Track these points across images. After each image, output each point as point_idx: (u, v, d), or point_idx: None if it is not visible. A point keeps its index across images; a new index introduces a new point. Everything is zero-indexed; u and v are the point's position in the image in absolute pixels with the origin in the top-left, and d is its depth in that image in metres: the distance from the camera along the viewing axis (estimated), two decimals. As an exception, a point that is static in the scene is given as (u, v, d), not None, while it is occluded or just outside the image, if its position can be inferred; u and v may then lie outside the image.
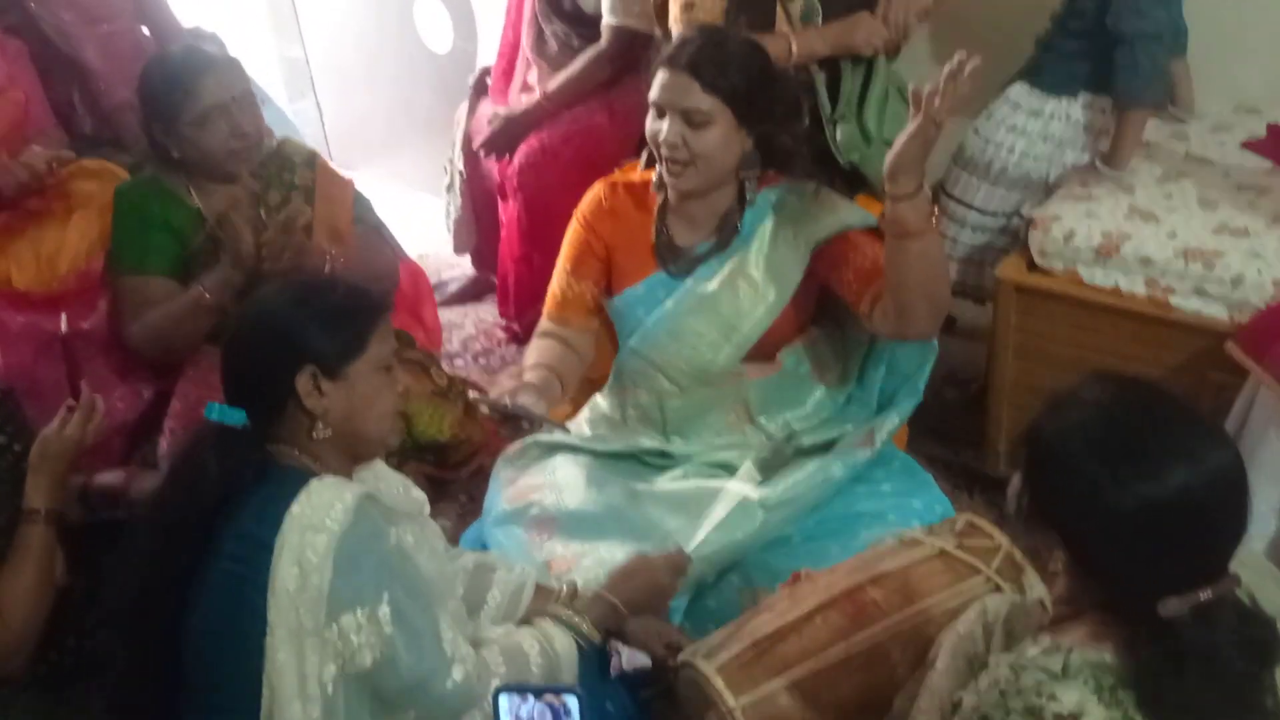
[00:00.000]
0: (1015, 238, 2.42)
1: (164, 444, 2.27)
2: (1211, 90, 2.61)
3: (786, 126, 2.01)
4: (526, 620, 1.68)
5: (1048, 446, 1.21)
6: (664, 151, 1.96)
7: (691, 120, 1.93)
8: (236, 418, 1.45)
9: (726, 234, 2.05)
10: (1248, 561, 1.20)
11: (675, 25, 2.37)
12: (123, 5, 2.86)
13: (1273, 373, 1.95)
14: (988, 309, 2.53)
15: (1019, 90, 2.43)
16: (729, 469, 2.06)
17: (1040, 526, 1.24)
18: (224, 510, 1.41)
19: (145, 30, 2.92)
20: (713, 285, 2.04)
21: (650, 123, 1.99)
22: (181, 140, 2.27)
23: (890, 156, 1.77)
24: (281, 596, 1.34)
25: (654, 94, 1.96)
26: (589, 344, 2.20)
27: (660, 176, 2.05)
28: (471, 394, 2.01)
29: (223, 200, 2.33)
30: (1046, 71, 2.40)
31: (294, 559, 1.35)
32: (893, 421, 2.03)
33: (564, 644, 1.60)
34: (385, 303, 1.57)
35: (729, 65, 1.93)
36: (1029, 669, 1.14)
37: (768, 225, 2.03)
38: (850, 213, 2.02)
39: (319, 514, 1.36)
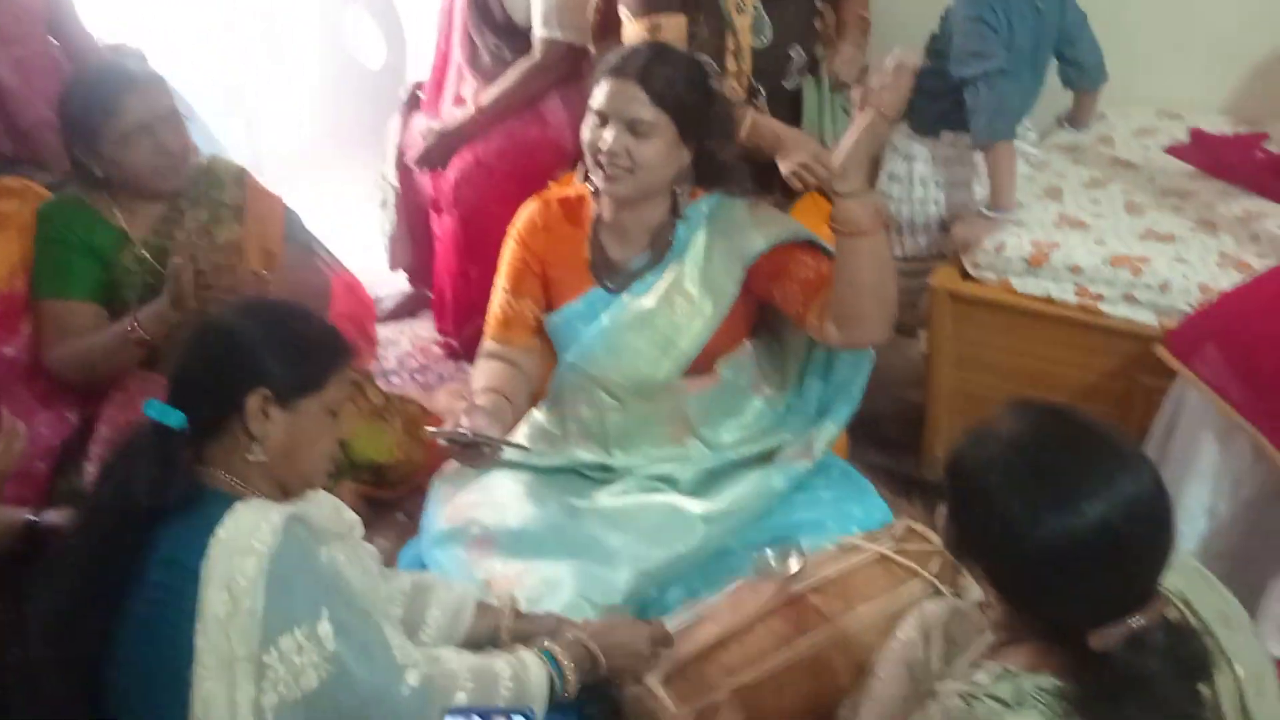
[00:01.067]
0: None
1: (90, 470, 2.21)
2: (1135, 95, 2.67)
3: (723, 144, 2.03)
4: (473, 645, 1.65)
5: (966, 482, 1.21)
6: (603, 159, 1.95)
7: (635, 130, 1.93)
8: (175, 418, 1.41)
9: (660, 247, 2.05)
10: (1178, 565, 1.21)
11: None
12: (33, 25, 2.79)
13: (1200, 375, 1.99)
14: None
15: (900, 131, 2.47)
16: (670, 482, 2.05)
17: (967, 560, 1.24)
18: (150, 530, 1.37)
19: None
20: (649, 301, 2.03)
21: (590, 130, 1.98)
22: (104, 160, 2.22)
23: (839, 154, 1.78)
24: (211, 624, 1.31)
25: (599, 102, 1.96)
26: (534, 363, 2.19)
27: (595, 188, 2.04)
28: (428, 429, 1.99)
29: (148, 220, 2.28)
30: (915, 111, 2.42)
31: (223, 584, 1.31)
32: (831, 430, 2.04)
33: (538, 676, 1.55)
34: (352, 349, 1.56)
35: (676, 79, 1.94)
36: (980, 699, 1.14)
37: (701, 238, 2.03)
38: (785, 227, 2.03)
39: (245, 536, 1.33)
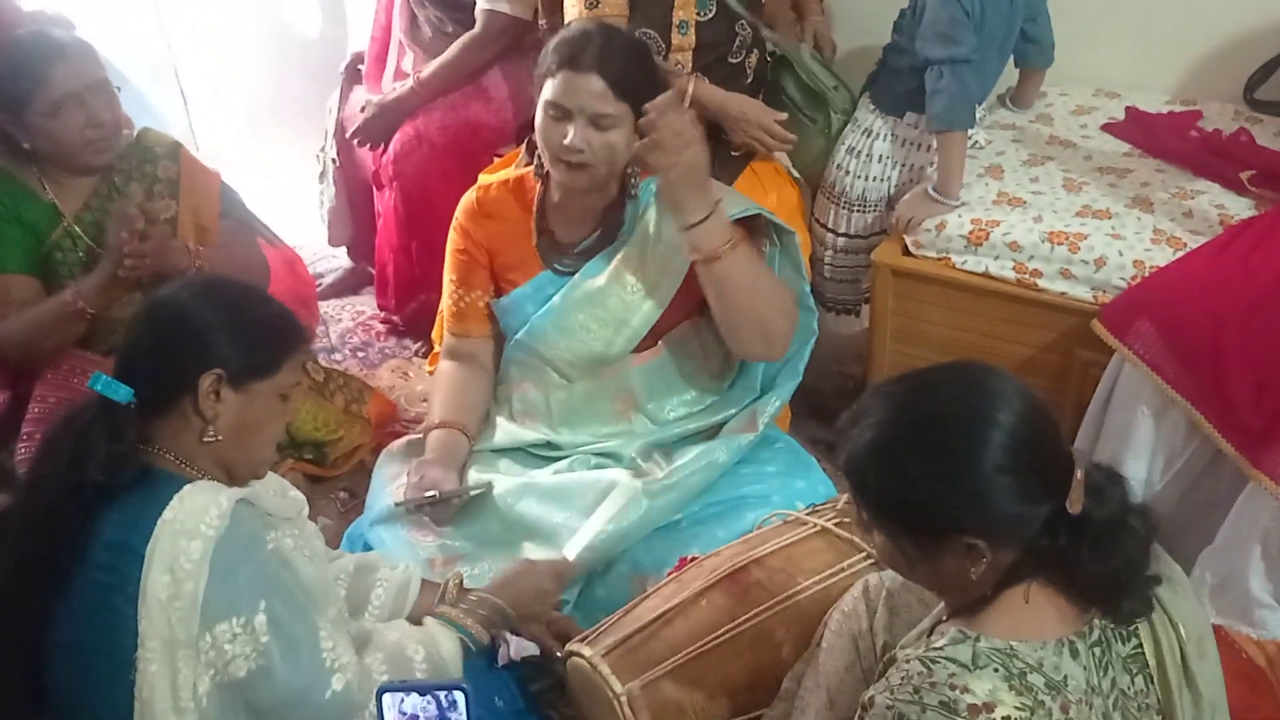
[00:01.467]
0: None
1: (21, 449, 2.16)
2: (1073, 74, 2.70)
3: None
4: (415, 620, 1.65)
5: (862, 470, 1.24)
6: (565, 155, 1.92)
7: (599, 124, 1.90)
8: (122, 393, 1.38)
9: (611, 228, 2.04)
10: None
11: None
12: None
13: (1135, 350, 2.02)
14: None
15: (862, 104, 2.48)
16: (615, 458, 2.06)
17: (913, 551, 1.25)
18: (95, 510, 1.35)
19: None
20: (600, 281, 2.02)
21: (548, 125, 1.93)
22: (32, 131, 2.16)
23: (660, 199, 1.82)
24: (153, 606, 1.29)
25: (556, 96, 1.91)
26: (493, 351, 2.19)
27: (540, 168, 2.03)
28: (394, 502, 1.97)
29: (79, 194, 2.22)
30: (878, 87, 2.44)
31: (166, 567, 1.29)
32: (774, 404, 2.05)
33: (449, 646, 1.58)
34: (306, 333, 1.56)
35: (631, 67, 1.91)
36: (940, 662, 1.16)
37: (650, 216, 2.02)
38: (734, 203, 2.02)
39: (193, 519, 1.32)
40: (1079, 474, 1.19)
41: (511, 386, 2.15)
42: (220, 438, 1.42)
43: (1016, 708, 1.12)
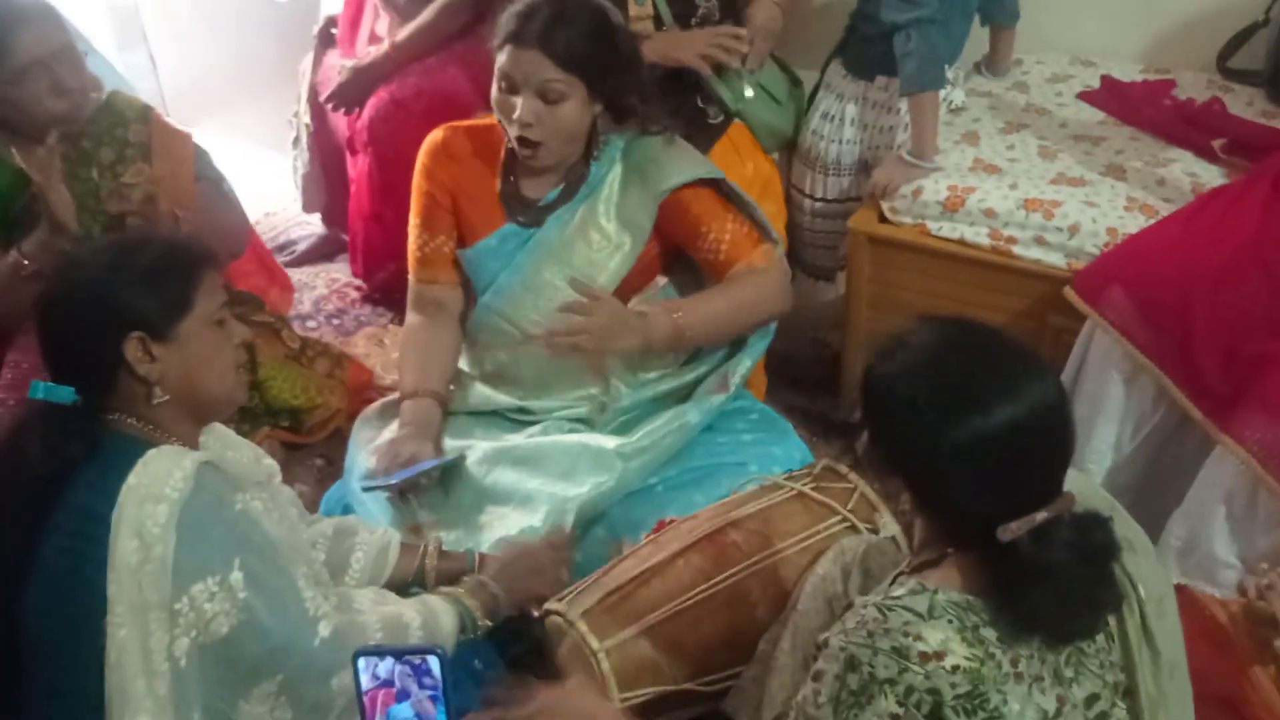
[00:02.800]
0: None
1: (-10, 414, 2.15)
2: (1049, 42, 2.71)
3: (632, 83, 2.00)
4: (395, 585, 1.66)
5: (881, 391, 1.25)
6: (516, 130, 1.93)
7: (546, 96, 1.90)
8: (64, 394, 1.37)
9: (574, 182, 2.04)
10: (1089, 493, 1.26)
11: None
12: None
13: (1106, 316, 2.05)
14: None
15: (833, 70, 2.48)
16: (588, 423, 2.06)
17: (885, 469, 1.28)
18: (55, 487, 1.34)
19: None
20: (566, 233, 2.02)
21: (500, 96, 1.94)
22: None
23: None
24: (122, 571, 1.29)
25: (505, 67, 1.92)
26: (460, 298, 2.16)
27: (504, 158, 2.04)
28: (363, 483, 1.96)
29: (48, 161, 2.19)
30: (849, 53, 2.44)
31: (134, 532, 1.29)
32: (745, 364, 2.06)
33: (448, 620, 1.57)
34: (207, 254, 1.49)
35: (577, 36, 1.90)
36: (895, 610, 1.18)
37: (617, 172, 2.03)
38: (699, 164, 2.03)
39: (158, 483, 1.31)
40: (1042, 515, 1.17)
41: (482, 349, 2.15)
42: (168, 396, 1.40)
43: (966, 658, 1.15)
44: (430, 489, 1.96)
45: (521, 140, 1.94)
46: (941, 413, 1.18)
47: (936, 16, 2.20)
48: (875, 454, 1.28)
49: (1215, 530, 1.99)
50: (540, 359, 2.07)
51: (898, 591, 1.22)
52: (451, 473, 1.98)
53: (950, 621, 1.17)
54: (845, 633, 1.19)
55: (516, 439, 2.05)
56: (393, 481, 1.91)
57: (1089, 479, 1.35)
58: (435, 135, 2.14)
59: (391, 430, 2.06)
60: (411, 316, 2.17)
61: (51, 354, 1.42)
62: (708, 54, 2.36)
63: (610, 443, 1.96)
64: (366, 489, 1.95)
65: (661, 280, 2.11)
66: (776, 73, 2.51)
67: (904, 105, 2.35)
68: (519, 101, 1.90)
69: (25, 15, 2.11)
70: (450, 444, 2.04)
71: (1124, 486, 2.11)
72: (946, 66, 2.38)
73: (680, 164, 2.01)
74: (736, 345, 2.10)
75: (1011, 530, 1.16)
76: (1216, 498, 1.97)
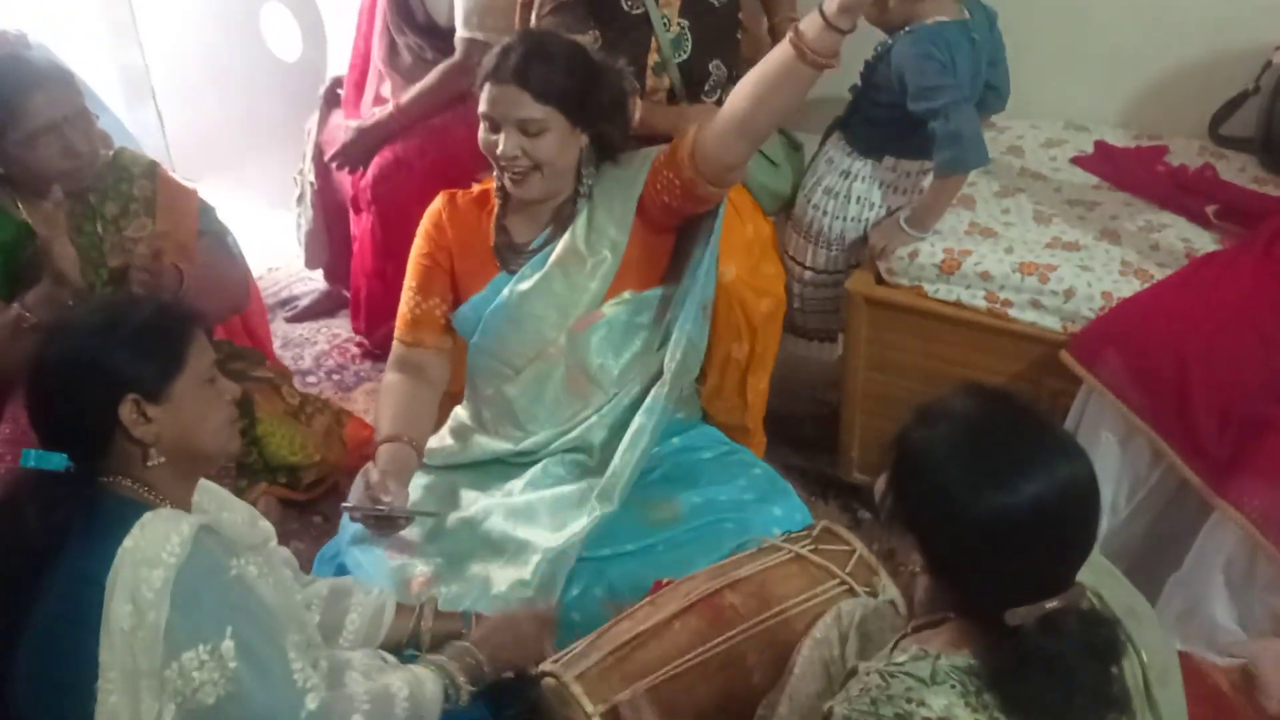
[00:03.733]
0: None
1: (-11, 466, 2.15)
2: (1043, 108, 2.75)
3: (615, 120, 2.06)
4: (390, 645, 1.64)
5: (913, 452, 1.25)
6: (504, 164, 1.98)
7: (527, 130, 1.95)
8: (56, 462, 1.37)
9: (563, 222, 2.08)
10: (1091, 562, 1.26)
11: None
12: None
13: (1102, 380, 2.06)
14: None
15: (836, 144, 2.49)
16: (584, 450, 2.08)
17: (901, 529, 1.27)
18: (50, 552, 1.33)
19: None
20: (543, 270, 2.06)
21: (484, 135, 2.00)
22: (7, 159, 2.15)
23: None
24: (115, 636, 1.28)
25: (485, 108, 1.98)
26: (443, 364, 2.18)
27: (501, 184, 2.06)
28: (344, 506, 1.96)
29: (51, 212, 2.22)
30: (854, 130, 2.46)
31: (128, 596, 1.28)
32: (677, 355, 2.05)
33: (433, 688, 1.55)
34: (195, 314, 1.51)
35: (555, 70, 1.95)
36: (898, 676, 1.17)
37: (586, 204, 2.07)
38: (649, 155, 2.07)
39: (154, 547, 1.30)
40: (1051, 604, 1.17)
41: (479, 398, 2.17)
42: (164, 459, 1.40)
43: None
44: (421, 538, 1.96)
45: (511, 175, 1.99)
46: (970, 487, 1.18)
47: (968, 94, 2.22)
48: (895, 511, 1.28)
49: (1215, 596, 1.98)
50: (530, 386, 2.09)
51: (900, 658, 1.22)
52: (436, 527, 1.98)
53: (953, 687, 1.16)
54: (849, 700, 1.18)
55: (513, 488, 2.06)
56: (378, 510, 1.90)
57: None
58: (436, 203, 2.18)
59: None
60: (390, 375, 2.17)
61: (43, 420, 1.41)
62: None
63: (588, 485, 1.98)
64: (347, 509, 1.96)
65: (628, 294, 2.11)
66: (774, 136, 2.55)
67: (917, 180, 2.39)
68: (501, 138, 1.95)
69: (42, 79, 2.14)
70: (456, 495, 2.06)
71: (1121, 551, 2.10)
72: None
73: (634, 165, 2.07)
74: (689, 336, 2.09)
75: (1019, 615, 1.16)
76: (1215, 563, 1.97)
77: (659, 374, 2.07)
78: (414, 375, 2.15)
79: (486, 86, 1.97)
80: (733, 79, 2.51)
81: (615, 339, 2.10)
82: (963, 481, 1.18)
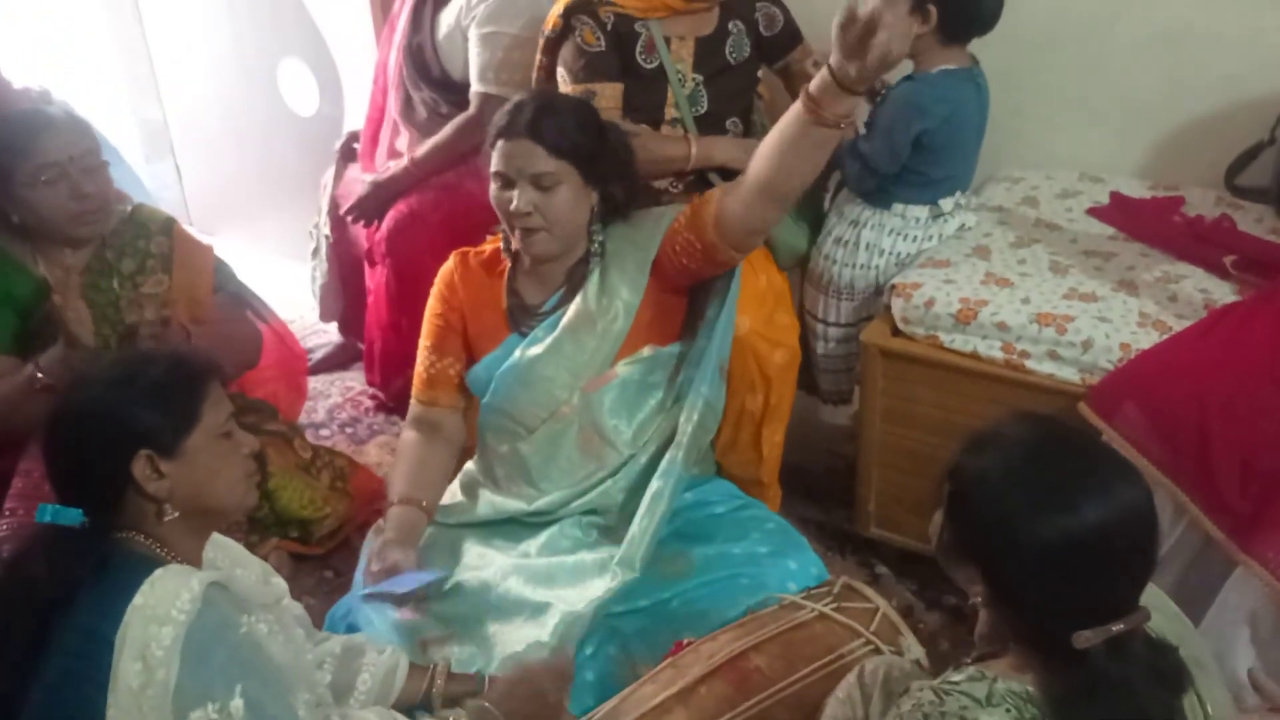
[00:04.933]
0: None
1: (3, 526, 2.14)
2: (1058, 159, 2.75)
3: (624, 177, 2.07)
4: (403, 707, 1.62)
5: (969, 480, 1.25)
6: (516, 220, 1.98)
7: (540, 184, 1.96)
8: (72, 517, 1.36)
9: (575, 284, 2.08)
10: (1161, 608, 1.27)
11: None
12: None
13: (1122, 432, 2.03)
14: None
15: (846, 196, 2.53)
16: (599, 513, 2.06)
17: (960, 560, 1.27)
18: (61, 608, 1.32)
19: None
20: (555, 334, 2.05)
21: (497, 193, 2.00)
22: (18, 203, 2.17)
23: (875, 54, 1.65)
24: (123, 695, 1.26)
25: (498, 165, 1.98)
26: (459, 423, 2.20)
27: (507, 242, 2.07)
28: (365, 591, 1.97)
29: (71, 269, 2.23)
30: (863, 185, 2.49)
31: (137, 654, 1.27)
32: (693, 417, 2.03)
33: None
34: (212, 367, 1.50)
35: (567, 125, 1.97)
36: (953, 694, 1.17)
37: (598, 266, 2.07)
38: (664, 216, 2.07)
39: (164, 605, 1.29)
40: (1119, 626, 1.17)
41: (491, 455, 2.16)
42: (177, 514, 1.39)
43: None
44: (434, 599, 1.95)
45: (522, 232, 1.99)
46: (1031, 509, 1.18)
47: (886, 172, 2.38)
48: (954, 543, 1.28)
49: (1240, 652, 1.94)
50: (543, 445, 2.08)
51: (955, 676, 1.21)
52: (466, 582, 1.97)
53: (1009, 710, 1.16)
54: (900, 716, 1.17)
55: (529, 549, 2.04)
56: (397, 592, 1.90)
57: (1160, 592, 1.34)
58: (449, 264, 2.19)
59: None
60: (408, 433, 2.20)
61: (58, 475, 1.41)
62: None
63: (608, 552, 1.96)
64: (368, 596, 1.94)
65: (647, 350, 2.11)
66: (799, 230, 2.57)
67: (927, 227, 2.45)
68: (515, 194, 1.96)
69: (51, 122, 2.18)
70: (469, 554, 2.05)
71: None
72: (959, 192, 2.47)
73: (647, 227, 2.07)
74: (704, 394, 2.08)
75: (1087, 638, 1.16)
76: (1240, 619, 1.93)
77: (675, 434, 2.06)
78: (430, 433, 2.16)
79: (499, 144, 1.98)
80: (747, 129, 2.54)
81: (629, 399, 2.09)
82: (1023, 505, 1.19)
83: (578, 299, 2.06)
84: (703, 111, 2.45)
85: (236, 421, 1.51)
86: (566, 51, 2.42)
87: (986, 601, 1.26)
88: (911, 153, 2.37)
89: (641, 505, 1.98)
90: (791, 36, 2.57)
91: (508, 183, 1.98)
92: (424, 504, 2.08)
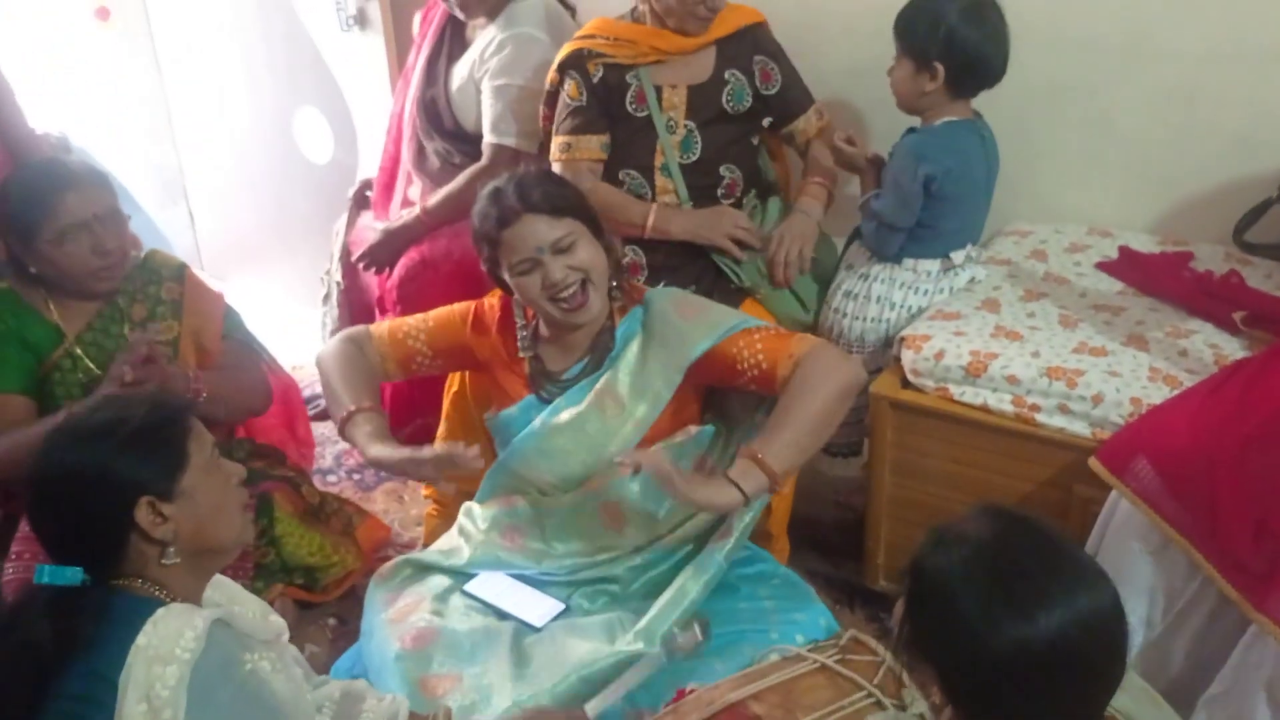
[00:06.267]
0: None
1: (9, 569, 2.14)
2: (1066, 213, 2.76)
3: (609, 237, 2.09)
4: None
5: (927, 580, 1.21)
6: (559, 291, 1.96)
7: (561, 248, 1.95)
8: (71, 576, 1.36)
9: (599, 353, 2.06)
10: (1126, 683, 1.21)
11: (555, 164, 2.55)
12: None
13: (1132, 488, 2.02)
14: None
15: (856, 251, 2.56)
16: (615, 581, 2.04)
17: (919, 657, 1.23)
18: (64, 656, 1.32)
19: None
20: (580, 408, 2.03)
21: (528, 283, 1.97)
22: (39, 258, 2.19)
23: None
24: None
25: (517, 254, 1.96)
26: (386, 370, 2.22)
27: (528, 341, 2.09)
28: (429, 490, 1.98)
29: (83, 317, 2.24)
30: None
31: (141, 695, 1.27)
32: (747, 515, 1.98)
33: None
34: (187, 404, 1.52)
35: (550, 187, 1.99)
36: None
37: (636, 343, 2.05)
38: (720, 321, 2.02)
39: (168, 644, 1.29)
40: None
41: (500, 501, 2.14)
42: (179, 559, 1.39)
43: None
44: (428, 636, 1.92)
45: (567, 302, 1.97)
46: (986, 616, 1.14)
47: (900, 227, 2.41)
48: (912, 640, 1.24)
49: (1257, 715, 1.91)
50: (565, 508, 2.06)
51: None
52: (482, 630, 1.96)
53: None
54: None
55: (546, 617, 2.02)
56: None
57: (1129, 671, 1.30)
58: (494, 300, 2.19)
59: (408, 591, 2.05)
60: (336, 344, 2.20)
61: (53, 536, 1.40)
62: (734, 235, 2.48)
63: (620, 616, 1.94)
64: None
65: (694, 429, 2.09)
66: (808, 280, 2.59)
67: (938, 280, 2.47)
68: (543, 269, 1.95)
69: (74, 179, 2.20)
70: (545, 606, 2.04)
71: (1158, 669, 2.03)
72: (970, 245, 2.49)
73: (701, 328, 2.02)
74: None
75: None
76: (1256, 681, 1.89)
77: (705, 517, 2.01)
78: (356, 351, 2.18)
79: (503, 235, 1.96)
80: (750, 184, 2.56)
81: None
82: (979, 612, 1.14)
83: (607, 374, 2.03)
84: (695, 159, 2.50)
85: (247, 466, 1.52)
86: (557, 105, 2.54)
87: (945, 702, 1.22)
88: (923, 205, 2.39)
89: (671, 588, 1.93)
90: (794, 102, 2.60)
91: (534, 264, 1.96)
92: (375, 407, 2.10)
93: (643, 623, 1.87)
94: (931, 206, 2.40)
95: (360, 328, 2.24)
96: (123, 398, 1.54)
